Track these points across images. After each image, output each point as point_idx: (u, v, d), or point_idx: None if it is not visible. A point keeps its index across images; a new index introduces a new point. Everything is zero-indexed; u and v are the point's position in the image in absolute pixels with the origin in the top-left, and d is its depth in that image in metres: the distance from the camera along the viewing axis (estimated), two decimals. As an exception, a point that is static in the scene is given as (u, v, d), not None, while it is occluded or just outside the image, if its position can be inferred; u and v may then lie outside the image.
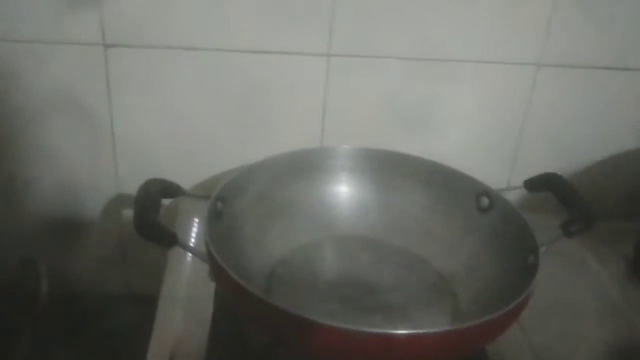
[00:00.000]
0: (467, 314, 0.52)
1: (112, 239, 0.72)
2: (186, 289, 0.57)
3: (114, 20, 0.60)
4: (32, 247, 0.71)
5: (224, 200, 0.54)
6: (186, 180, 0.67)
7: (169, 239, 0.46)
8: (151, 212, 0.47)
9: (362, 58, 0.64)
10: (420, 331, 0.42)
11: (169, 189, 0.53)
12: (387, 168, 0.62)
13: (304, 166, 0.61)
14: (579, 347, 0.55)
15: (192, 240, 0.62)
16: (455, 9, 0.62)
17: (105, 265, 0.74)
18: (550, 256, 0.51)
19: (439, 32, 0.63)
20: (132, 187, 0.52)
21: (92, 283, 0.74)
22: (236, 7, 0.61)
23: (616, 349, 0.55)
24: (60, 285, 0.71)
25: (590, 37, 0.64)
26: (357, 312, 0.53)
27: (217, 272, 0.46)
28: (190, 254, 0.50)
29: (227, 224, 0.54)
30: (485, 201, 0.58)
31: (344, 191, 0.62)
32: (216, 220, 0.52)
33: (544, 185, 0.57)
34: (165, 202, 0.63)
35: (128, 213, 0.70)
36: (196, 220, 0.65)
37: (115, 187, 0.69)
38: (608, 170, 0.71)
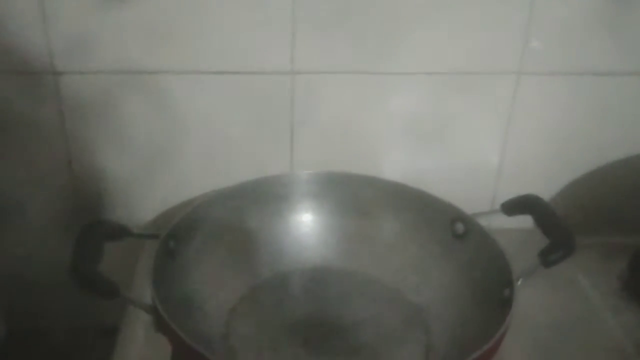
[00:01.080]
0: (441, 352, 0.49)
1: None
2: (143, 336, 0.53)
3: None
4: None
5: (176, 238, 0.51)
6: (145, 214, 0.65)
7: (109, 290, 0.43)
8: (89, 260, 0.44)
9: (327, 74, 0.61)
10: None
11: (114, 231, 0.49)
12: (356, 193, 0.59)
13: (266, 195, 0.58)
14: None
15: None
16: (426, 20, 0.59)
17: (73, 297, 0.71)
18: (537, 276, 0.48)
19: (410, 46, 0.60)
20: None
21: (59, 316, 0.71)
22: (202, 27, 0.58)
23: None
24: (22, 321, 0.69)
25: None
26: (322, 356, 0.50)
27: (162, 325, 0.42)
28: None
29: (181, 263, 0.51)
30: (460, 227, 0.54)
31: (309, 220, 0.59)
32: (168, 260, 0.49)
33: (522, 208, 0.53)
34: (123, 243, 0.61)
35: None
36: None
37: (73, 217, 0.65)
38: (598, 182, 0.68)
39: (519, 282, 0.47)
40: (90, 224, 0.48)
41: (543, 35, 0.60)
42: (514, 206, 0.54)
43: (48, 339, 0.69)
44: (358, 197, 0.59)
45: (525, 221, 0.61)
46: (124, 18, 0.57)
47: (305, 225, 0.59)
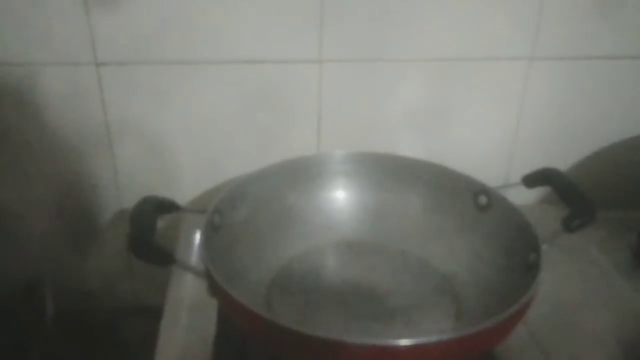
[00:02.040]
0: (471, 317, 0.52)
1: (117, 252, 0.72)
2: (189, 303, 0.57)
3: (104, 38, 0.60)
4: (38, 265, 0.71)
5: (221, 213, 0.53)
6: (186, 194, 0.68)
7: (166, 258, 0.46)
8: (146, 232, 0.47)
9: (354, 62, 0.64)
10: (423, 341, 0.41)
11: (164, 206, 0.53)
12: (383, 171, 0.61)
13: (300, 174, 0.60)
14: (588, 342, 0.54)
15: (194, 255, 0.62)
16: (445, 8, 0.61)
17: (112, 279, 0.74)
18: (553, 250, 0.51)
19: (429, 32, 0.63)
20: (133, 201, 0.52)
21: (100, 298, 0.74)
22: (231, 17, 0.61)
23: (627, 342, 0.54)
24: (67, 302, 0.71)
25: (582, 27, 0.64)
26: (359, 320, 0.52)
27: (215, 289, 0.45)
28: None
29: (225, 236, 0.53)
30: (483, 200, 0.57)
31: (341, 197, 0.62)
32: (214, 233, 0.52)
33: (542, 180, 0.56)
34: (169, 217, 0.64)
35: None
36: (197, 234, 0.65)
37: (117, 202, 0.69)
38: (607, 161, 0.71)
39: (544, 247, 0.49)
40: (145, 198, 0.51)
41: (554, 21, 0.63)
42: (535, 179, 0.56)
43: (92, 319, 0.72)
44: (385, 175, 0.61)
45: (532, 198, 0.64)
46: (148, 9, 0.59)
47: (337, 201, 0.62)
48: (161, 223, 0.67)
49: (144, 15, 0.59)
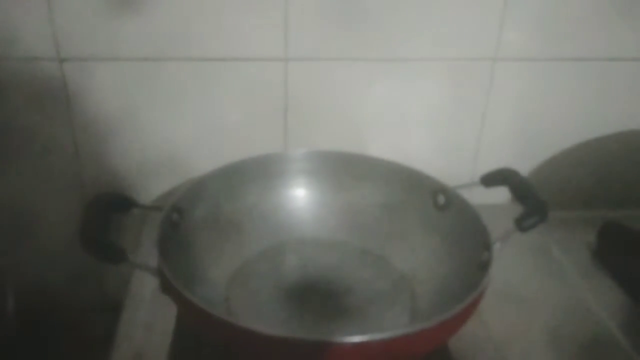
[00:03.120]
0: (427, 314, 0.52)
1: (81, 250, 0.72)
2: (149, 299, 0.57)
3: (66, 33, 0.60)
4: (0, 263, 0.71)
5: (180, 211, 0.54)
6: (151, 192, 0.68)
7: (117, 256, 0.46)
8: (97, 228, 0.47)
9: (319, 61, 0.64)
10: (375, 337, 0.42)
11: (121, 203, 0.53)
12: (343, 170, 0.62)
13: (261, 172, 0.61)
14: (541, 339, 0.55)
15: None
16: (410, 8, 0.62)
17: (76, 277, 0.74)
18: (513, 247, 0.52)
19: (395, 32, 0.63)
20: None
21: (63, 296, 0.74)
22: (193, 14, 0.60)
23: (580, 341, 0.55)
24: (29, 300, 0.71)
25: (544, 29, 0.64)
26: (317, 316, 0.53)
27: (167, 286, 0.46)
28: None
29: (184, 234, 0.54)
30: (442, 199, 0.58)
31: (302, 195, 0.62)
32: (172, 231, 0.52)
33: (499, 180, 0.57)
34: (134, 215, 0.64)
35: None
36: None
37: (81, 200, 0.68)
38: (570, 161, 0.72)
39: (496, 245, 0.50)
40: (99, 195, 0.51)
41: (518, 22, 0.63)
42: (492, 178, 0.57)
43: (53, 316, 0.71)
44: (346, 173, 0.62)
45: (499, 197, 0.65)
46: (122, 7, 0.59)
47: (298, 199, 0.62)
48: (126, 221, 0.68)
49: (107, 9, 0.59)
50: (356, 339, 0.41)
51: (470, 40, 0.64)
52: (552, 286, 0.61)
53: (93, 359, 0.65)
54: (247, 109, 0.66)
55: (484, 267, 0.49)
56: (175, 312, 0.55)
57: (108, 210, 0.49)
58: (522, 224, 0.51)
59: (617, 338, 0.55)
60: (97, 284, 0.75)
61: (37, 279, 0.72)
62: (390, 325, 0.52)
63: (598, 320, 0.57)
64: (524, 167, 0.70)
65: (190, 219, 0.54)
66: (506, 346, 0.54)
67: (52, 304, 0.73)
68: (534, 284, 0.62)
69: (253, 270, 0.57)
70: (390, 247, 0.59)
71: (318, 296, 0.55)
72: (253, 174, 0.60)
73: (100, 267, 0.71)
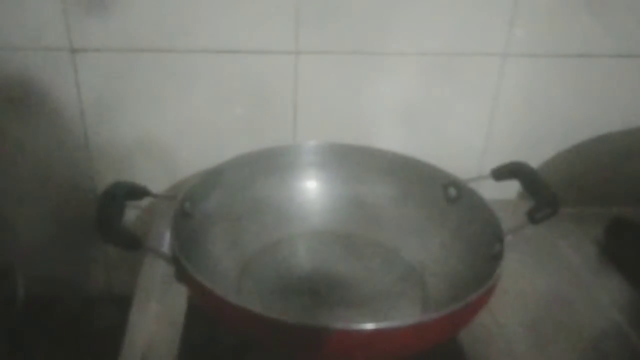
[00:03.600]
0: (437, 305, 0.53)
1: (94, 241, 0.72)
2: (160, 290, 0.57)
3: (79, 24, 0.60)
4: (9, 251, 0.71)
5: (192, 201, 0.54)
6: (161, 182, 0.68)
7: (132, 243, 0.46)
8: (114, 216, 0.47)
9: (330, 55, 0.64)
10: (387, 325, 0.42)
11: (135, 192, 0.53)
12: (355, 162, 0.62)
13: (273, 163, 0.61)
14: (550, 333, 0.55)
15: (166, 241, 0.62)
16: (421, 2, 0.62)
17: (85, 268, 0.74)
18: (522, 242, 0.52)
19: (406, 27, 0.63)
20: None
21: (72, 286, 0.74)
22: (206, 7, 0.61)
23: (589, 335, 0.56)
24: (38, 289, 0.71)
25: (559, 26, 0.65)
26: (328, 306, 0.53)
27: (182, 274, 0.46)
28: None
29: (196, 224, 0.54)
30: (452, 192, 0.58)
31: (313, 187, 0.63)
32: (185, 220, 0.52)
33: (510, 173, 0.57)
34: (144, 204, 0.64)
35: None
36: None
37: (92, 190, 0.69)
38: (578, 158, 0.72)
39: (508, 237, 0.50)
40: (115, 183, 0.51)
41: (528, 18, 0.64)
42: (503, 172, 0.58)
43: (64, 306, 0.72)
44: (358, 166, 0.62)
45: (507, 193, 0.65)
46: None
47: (309, 191, 0.62)
48: (136, 211, 0.69)
49: (120, 3, 0.60)
50: (369, 326, 0.41)
51: (480, 36, 0.65)
52: (561, 281, 0.62)
53: (101, 349, 0.66)
54: (257, 102, 0.66)
55: (495, 259, 0.49)
56: (185, 303, 0.55)
57: (124, 198, 0.50)
58: (534, 217, 0.51)
59: (625, 332, 0.56)
60: (104, 276, 0.75)
61: (45, 269, 0.72)
62: (401, 316, 0.52)
63: (606, 314, 0.58)
64: (532, 163, 0.69)
65: (202, 209, 0.55)
66: (516, 339, 0.54)
67: (59, 295, 0.73)
68: (543, 279, 0.62)
69: (264, 261, 0.57)
70: (401, 239, 0.60)
71: (329, 287, 0.55)
72: (264, 165, 0.60)
73: (108, 258, 0.73)
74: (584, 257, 0.65)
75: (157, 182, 0.68)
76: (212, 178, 0.56)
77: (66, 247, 0.73)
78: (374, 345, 0.43)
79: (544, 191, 0.53)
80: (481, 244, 0.53)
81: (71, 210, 0.70)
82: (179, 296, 0.56)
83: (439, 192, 0.59)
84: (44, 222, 0.71)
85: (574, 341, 0.55)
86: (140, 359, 0.50)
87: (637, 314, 0.58)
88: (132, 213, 0.70)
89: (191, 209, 0.53)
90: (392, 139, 0.67)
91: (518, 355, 0.53)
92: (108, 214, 0.47)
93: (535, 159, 0.71)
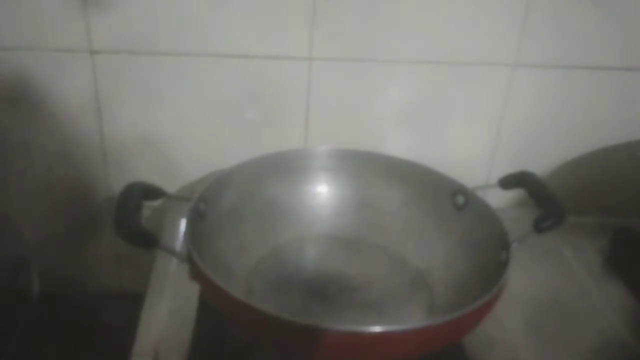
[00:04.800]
0: (443, 311, 0.54)
1: (105, 238, 0.74)
2: (172, 288, 0.59)
3: (100, 26, 0.62)
4: (25, 247, 0.73)
5: (206, 201, 0.55)
6: (174, 185, 0.70)
7: (149, 241, 0.48)
8: (131, 214, 0.48)
9: (343, 61, 0.65)
10: (394, 328, 0.43)
11: (151, 192, 0.54)
12: (365, 168, 0.63)
13: (285, 167, 0.62)
14: (554, 341, 0.56)
15: (179, 241, 0.64)
16: (434, 11, 0.63)
17: (98, 265, 0.76)
18: (528, 251, 0.52)
19: (418, 35, 0.64)
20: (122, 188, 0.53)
21: (85, 282, 0.76)
22: (225, 13, 0.62)
23: (592, 344, 0.56)
24: (52, 285, 0.73)
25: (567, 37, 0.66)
26: (336, 309, 0.54)
27: (197, 273, 0.47)
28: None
29: (209, 224, 0.55)
30: (460, 199, 0.59)
31: (324, 191, 0.64)
32: (198, 220, 0.53)
33: (517, 182, 0.58)
34: (154, 204, 0.65)
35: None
36: (183, 220, 0.66)
37: (106, 189, 0.71)
38: (584, 168, 0.73)
39: (514, 245, 0.51)
40: (133, 183, 0.52)
41: (538, 30, 0.65)
42: (510, 181, 0.58)
43: (76, 303, 0.73)
44: (367, 172, 0.63)
45: (513, 202, 0.65)
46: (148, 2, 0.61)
47: (320, 195, 0.63)
48: (148, 211, 0.70)
49: (139, 6, 0.61)
50: (376, 329, 0.42)
51: (491, 46, 0.66)
52: (566, 290, 0.62)
53: (112, 346, 0.67)
54: (270, 106, 0.67)
55: (502, 266, 0.50)
56: (196, 301, 0.56)
57: (141, 197, 0.51)
58: (540, 226, 0.52)
59: (628, 342, 0.56)
60: (116, 274, 0.76)
61: (57, 267, 0.74)
62: (407, 320, 0.53)
63: (610, 323, 0.58)
64: (539, 172, 0.69)
65: (215, 210, 0.56)
66: (520, 346, 0.55)
67: (71, 292, 0.75)
68: (548, 288, 0.63)
69: (274, 262, 0.59)
70: (408, 244, 0.61)
71: (336, 290, 0.56)
72: (276, 169, 0.61)
73: (119, 256, 0.75)
74: (589, 267, 0.65)
75: (169, 183, 0.68)
76: (225, 180, 0.58)
77: (78, 245, 0.74)
78: (381, 348, 0.44)
79: (551, 200, 0.54)
80: (487, 251, 0.54)
81: (83, 208, 0.71)
82: (190, 294, 0.57)
83: (446, 199, 0.59)
84: (56, 219, 0.72)
85: (576, 349, 0.55)
86: (152, 356, 0.51)
87: (640, 324, 0.59)
88: (144, 211, 0.71)
89: (205, 209, 0.55)
90: (402, 145, 0.68)
91: (522, 361, 0.53)
92: (126, 213, 0.48)
93: (542, 169, 0.72)
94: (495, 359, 0.54)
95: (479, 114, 0.70)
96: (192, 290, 0.57)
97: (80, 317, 0.72)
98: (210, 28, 0.63)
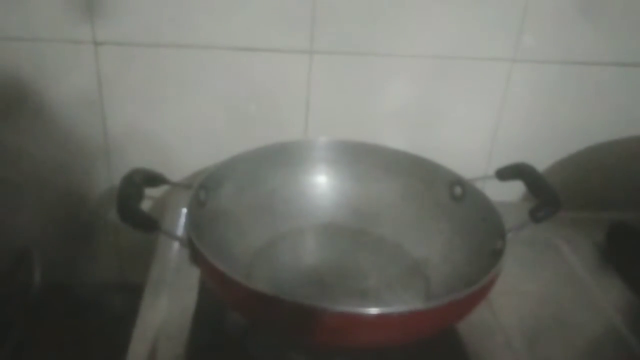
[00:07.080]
0: (439, 297, 0.53)
1: (106, 229, 0.75)
2: (172, 275, 0.59)
3: (104, 18, 0.62)
4: (26, 237, 0.73)
5: (207, 190, 0.56)
6: (175, 175, 0.69)
7: (150, 224, 0.48)
8: (133, 199, 0.49)
9: (343, 55, 0.66)
10: (391, 310, 0.44)
11: (153, 178, 0.55)
12: (364, 159, 0.64)
13: (285, 157, 0.63)
14: (549, 330, 0.57)
15: (180, 228, 0.64)
16: (433, 6, 0.64)
17: (99, 255, 0.76)
18: (525, 244, 0.53)
19: (417, 30, 0.65)
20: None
21: (87, 272, 0.76)
22: (227, 6, 0.63)
23: (586, 334, 0.57)
24: (54, 275, 0.73)
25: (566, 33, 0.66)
26: (334, 295, 0.55)
27: (196, 256, 0.48)
28: (177, 241, 0.52)
29: (210, 212, 0.56)
30: (458, 190, 0.60)
31: (323, 182, 0.64)
32: (199, 208, 0.54)
33: (514, 174, 0.59)
34: (156, 193, 0.66)
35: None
36: (184, 209, 0.67)
37: (108, 180, 0.71)
38: (581, 163, 0.73)
39: (510, 235, 0.52)
40: (135, 169, 0.53)
41: (536, 25, 0.65)
42: (507, 172, 0.59)
43: (78, 292, 0.74)
44: (366, 163, 0.64)
45: (510, 195, 0.66)
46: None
47: (319, 186, 0.64)
48: (150, 202, 0.70)
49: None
50: (373, 310, 0.43)
51: (490, 41, 0.66)
52: (562, 283, 0.63)
53: (112, 335, 0.68)
54: (270, 99, 0.68)
55: (497, 254, 0.50)
56: (196, 290, 0.57)
57: (142, 184, 0.52)
58: (536, 215, 0.53)
59: (623, 335, 0.57)
60: (117, 263, 0.77)
61: (59, 256, 0.74)
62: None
63: (605, 315, 0.59)
64: (536, 166, 0.69)
65: (216, 199, 0.56)
66: (514, 335, 0.55)
67: (72, 281, 0.75)
68: (543, 280, 0.63)
69: (273, 251, 0.59)
70: (406, 234, 0.61)
71: (335, 278, 0.57)
72: (277, 159, 0.62)
73: (120, 246, 0.75)
74: (585, 261, 0.66)
75: (170, 175, 0.69)
76: (226, 169, 0.58)
77: (80, 235, 0.75)
78: (378, 329, 0.45)
79: (547, 190, 0.54)
80: (484, 240, 0.54)
81: (85, 198, 0.72)
82: (191, 283, 0.57)
83: (444, 190, 0.60)
84: (58, 208, 0.73)
85: (572, 340, 0.56)
86: (152, 344, 0.51)
87: (636, 318, 0.59)
88: (145, 202, 0.71)
89: (205, 198, 0.55)
90: (401, 138, 0.69)
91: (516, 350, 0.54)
92: (128, 196, 0.49)
93: (539, 163, 0.70)
94: (490, 349, 0.54)
95: (477, 109, 0.70)
96: (192, 279, 0.58)
97: (82, 307, 0.73)
98: (212, 21, 0.63)
